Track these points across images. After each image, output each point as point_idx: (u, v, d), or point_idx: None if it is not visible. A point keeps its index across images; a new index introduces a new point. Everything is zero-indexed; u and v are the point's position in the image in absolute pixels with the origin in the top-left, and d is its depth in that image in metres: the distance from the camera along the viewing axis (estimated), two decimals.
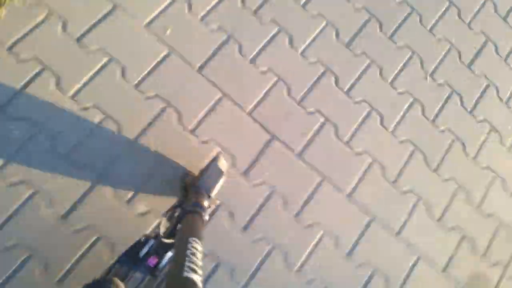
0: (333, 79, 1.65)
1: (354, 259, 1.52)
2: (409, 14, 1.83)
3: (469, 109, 1.83)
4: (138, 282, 1.29)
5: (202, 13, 1.55)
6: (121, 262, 1.28)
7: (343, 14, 1.73)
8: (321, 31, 1.68)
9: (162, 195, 1.36)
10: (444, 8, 1.90)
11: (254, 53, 1.58)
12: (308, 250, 1.48)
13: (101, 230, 1.30)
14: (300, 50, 1.64)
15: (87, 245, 1.29)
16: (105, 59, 1.40)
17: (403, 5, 1.83)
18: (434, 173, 1.70)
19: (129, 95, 1.41)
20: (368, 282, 1.52)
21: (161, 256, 1.24)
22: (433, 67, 1.82)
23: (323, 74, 1.64)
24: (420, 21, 1.84)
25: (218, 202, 1.38)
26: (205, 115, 1.47)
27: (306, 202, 1.51)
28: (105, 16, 1.45)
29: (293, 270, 1.45)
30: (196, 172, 1.36)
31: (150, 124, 1.41)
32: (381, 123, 1.67)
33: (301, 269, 1.46)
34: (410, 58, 1.78)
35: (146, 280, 1.29)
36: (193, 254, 0.88)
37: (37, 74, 1.34)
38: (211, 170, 1.28)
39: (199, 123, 1.46)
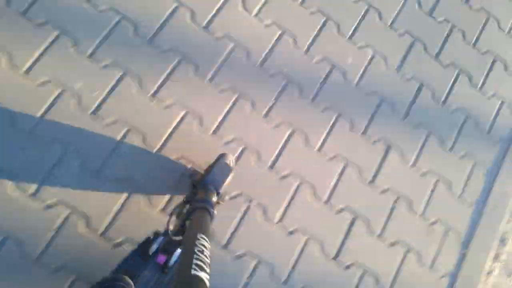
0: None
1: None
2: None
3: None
4: (147, 280, 1.29)
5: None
6: (130, 260, 1.28)
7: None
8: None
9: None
10: None
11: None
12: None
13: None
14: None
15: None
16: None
17: None
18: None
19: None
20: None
21: (170, 254, 1.23)
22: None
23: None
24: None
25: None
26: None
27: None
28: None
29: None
30: (203, 168, 1.35)
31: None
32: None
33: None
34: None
35: (155, 277, 1.29)
36: (201, 251, 0.87)
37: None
38: (219, 167, 1.27)
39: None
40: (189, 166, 1.40)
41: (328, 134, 1.56)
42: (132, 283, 1.17)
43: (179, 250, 1.26)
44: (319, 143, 1.55)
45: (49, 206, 1.29)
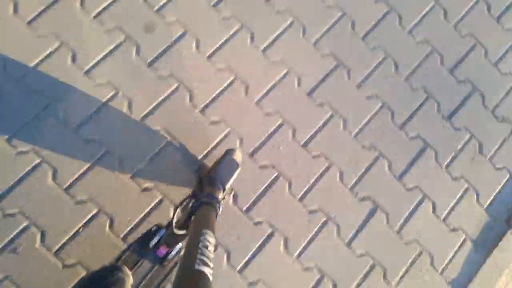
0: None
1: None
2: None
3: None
4: (146, 271, 1.28)
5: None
6: (131, 250, 1.28)
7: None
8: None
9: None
10: None
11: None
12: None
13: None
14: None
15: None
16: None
17: None
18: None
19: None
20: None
21: (171, 247, 1.23)
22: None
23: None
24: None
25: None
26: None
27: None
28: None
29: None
30: (211, 163, 1.34)
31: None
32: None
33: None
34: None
35: (154, 269, 1.29)
36: (206, 246, 0.86)
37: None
38: (226, 162, 1.26)
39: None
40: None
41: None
42: (130, 273, 1.17)
43: (180, 245, 1.26)
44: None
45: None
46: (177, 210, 1.09)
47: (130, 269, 1.23)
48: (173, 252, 1.25)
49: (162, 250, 1.23)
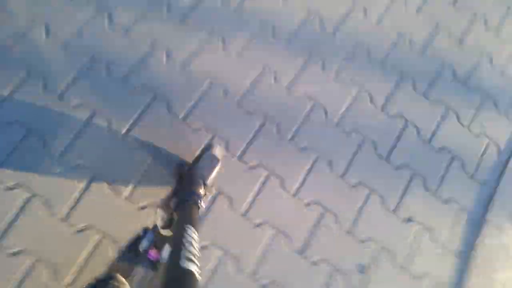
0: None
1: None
2: None
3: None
4: (142, 277, 1.27)
5: None
6: (123, 258, 1.26)
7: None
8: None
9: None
10: None
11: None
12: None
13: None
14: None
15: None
16: None
17: None
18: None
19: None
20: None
21: (160, 249, 1.22)
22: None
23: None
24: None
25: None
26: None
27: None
28: None
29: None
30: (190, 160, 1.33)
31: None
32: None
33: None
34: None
35: (150, 274, 1.28)
36: (189, 242, 0.86)
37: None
38: (206, 158, 1.25)
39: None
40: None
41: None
42: (124, 281, 1.16)
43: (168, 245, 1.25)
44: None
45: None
46: (159, 210, 1.09)
47: (125, 277, 1.22)
48: (164, 254, 1.24)
49: (153, 254, 1.22)
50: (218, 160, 1.25)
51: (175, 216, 1.03)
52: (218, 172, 1.26)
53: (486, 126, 1.68)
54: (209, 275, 1.30)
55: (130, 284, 1.20)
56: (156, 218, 1.08)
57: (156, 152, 1.35)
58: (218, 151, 1.29)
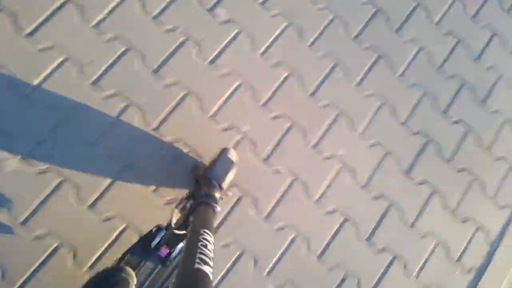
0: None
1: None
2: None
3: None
4: (149, 271, 1.30)
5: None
6: (133, 251, 1.29)
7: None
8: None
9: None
10: None
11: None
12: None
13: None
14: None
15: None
16: None
17: None
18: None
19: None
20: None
21: (172, 247, 1.24)
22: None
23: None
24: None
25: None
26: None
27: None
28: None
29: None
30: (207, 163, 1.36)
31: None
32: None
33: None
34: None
35: (156, 270, 1.30)
36: (205, 246, 0.88)
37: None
38: (222, 161, 1.27)
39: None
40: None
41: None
42: (133, 274, 1.18)
43: (181, 244, 1.28)
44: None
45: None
46: (176, 211, 1.11)
47: (133, 270, 1.25)
48: (175, 252, 1.27)
49: (164, 251, 1.25)
50: (233, 164, 1.27)
51: (191, 218, 1.05)
52: (234, 176, 1.28)
53: None
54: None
55: (137, 276, 1.23)
56: (171, 217, 1.10)
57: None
58: (233, 154, 1.31)
